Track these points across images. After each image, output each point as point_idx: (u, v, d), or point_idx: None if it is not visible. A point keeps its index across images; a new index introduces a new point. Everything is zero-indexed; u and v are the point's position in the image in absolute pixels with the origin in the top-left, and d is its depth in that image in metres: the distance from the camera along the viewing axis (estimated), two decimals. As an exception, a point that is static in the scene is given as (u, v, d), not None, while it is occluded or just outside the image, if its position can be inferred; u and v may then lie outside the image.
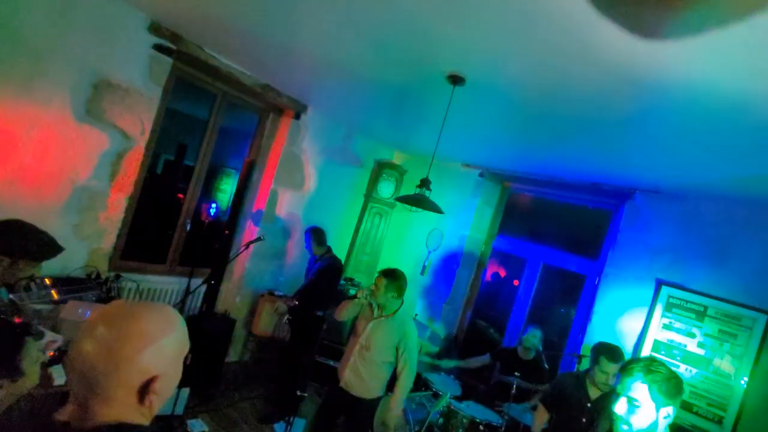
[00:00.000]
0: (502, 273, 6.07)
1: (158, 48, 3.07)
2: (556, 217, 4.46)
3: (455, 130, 3.35)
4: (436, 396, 3.36)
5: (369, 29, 2.14)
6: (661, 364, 1.37)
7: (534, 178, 4.17)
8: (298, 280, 4.13)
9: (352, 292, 2.63)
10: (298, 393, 2.53)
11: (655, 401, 1.31)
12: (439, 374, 3.69)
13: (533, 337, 3.45)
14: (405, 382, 2.57)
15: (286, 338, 3.90)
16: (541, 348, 3.48)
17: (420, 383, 3.61)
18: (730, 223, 3.18)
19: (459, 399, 3.26)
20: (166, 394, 0.81)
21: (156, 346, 0.77)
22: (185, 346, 0.86)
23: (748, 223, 3.09)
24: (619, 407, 1.35)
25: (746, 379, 2.94)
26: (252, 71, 3.55)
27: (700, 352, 3.15)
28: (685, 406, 3.10)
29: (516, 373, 3.04)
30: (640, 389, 1.32)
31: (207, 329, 3.48)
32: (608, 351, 2.44)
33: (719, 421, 3.01)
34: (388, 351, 2.57)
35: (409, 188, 4.09)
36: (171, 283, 3.63)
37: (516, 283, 4.55)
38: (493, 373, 3.72)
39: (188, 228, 3.73)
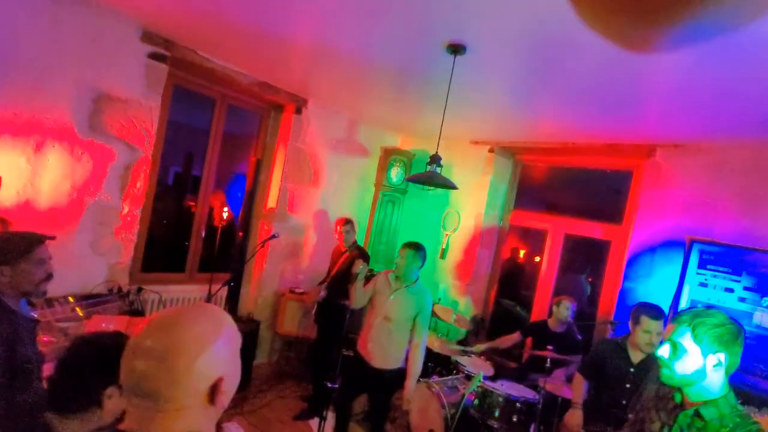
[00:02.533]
0: (524, 249, 5.96)
1: (153, 56, 3.06)
2: (574, 186, 4.32)
3: (460, 105, 3.25)
4: (468, 378, 3.29)
5: (362, 6, 2.07)
6: (717, 311, 1.29)
7: (546, 147, 4.04)
8: (318, 276, 4.10)
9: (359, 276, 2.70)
10: (329, 385, 2.52)
11: (701, 347, 1.23)
12: (470, 356, 3.62)
13: (566, 309, 3.35)
14: (419, 353, 2.68)
15: (311, 335, 3.88)
16: (572, 320, 3.39)
17: (451, 366, 3.57)
18: (760, 170, 3.01)
19: (492, 379, 3.19)
20: (233, 389, 0.81)
21: (212, 349, 0.76)
22: (238, 339, 0.84)
23: (780, 166, 2.93)
24: (663, 350, 1.29)
25: (794, 330, 2.80)
26: (248, 70, 3.51)
27: (742, 308, 3.00)
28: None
29: (549, 347, 2.95)
30: (683, 333, 1.26)
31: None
32: (649, 309, 2.35)
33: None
34: (409, 320, 2.69)
35: (419, 172, 4.01)
36: (192, 291, 3.64)
37: (539, 258, 4.44)
38: (525, 350, 3.64)
39: (203, 235, 3.74)
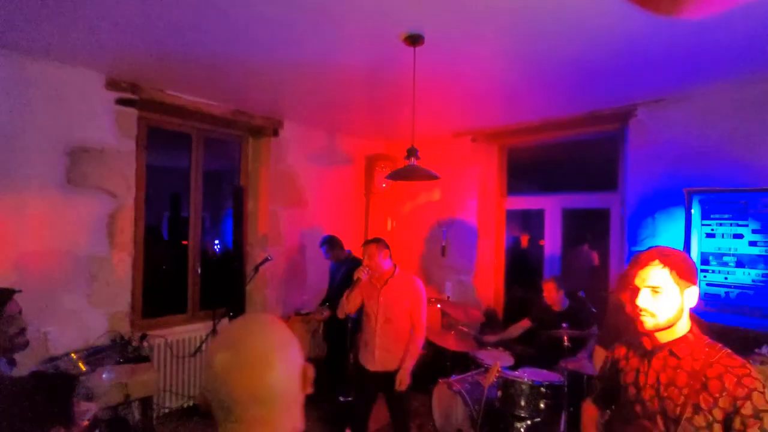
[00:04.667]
0: (525, 234, 5.87)
1: (121, 101, 3.07)
2: (564, 160, 4.27)
3: (432, 98, 3.23)
4: (487, 371, 3.19)
5: (315, 15, 2.07)
6: (672, 247, 1.30)
7: (527, 126, 4.00)
8: (322, 294, 4.03)
9: None
10: (341, 399, 2.43)
11: (679, 284, 1.22)
12: (486, 349, 3.52)
13: (548, 291, 3.37)
14: (419, 336, 2.62)
15: (323, 354, 3.80)
16: (565, 294, 3.32)
17: (469, 362, 3.47)
18: (749, 107, 2.94)
19: (513, 368, 3.08)
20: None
21: (292, 340, 0.81)
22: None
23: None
24: (642, 300, 1.23)
25: (812, 265, 2.69)
26: (219, 101, 3.53)
27: (755, 251, 2.90)
28: (757, 312, 2.85)
29: (563, 324, 2.86)
30: (659, 275, 1.22)
31: (243, 365, 3.40)
32: None
33: (795, 318, 2.75)
34: (406, 312, 2.63)
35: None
36: (197, 330, 3.58)
37: (542, 243, 4.36)
38: (540, 334, 3.53)
39: (199, 272, 3.70)
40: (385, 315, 2.62)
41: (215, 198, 5.11)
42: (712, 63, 2.58)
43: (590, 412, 1.50)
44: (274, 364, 0.75)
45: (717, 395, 1.14)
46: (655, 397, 1.24)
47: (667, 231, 3.23)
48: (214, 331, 3.46)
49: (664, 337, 1.26)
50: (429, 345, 3.76)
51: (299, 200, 4.25)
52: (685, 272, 1.23)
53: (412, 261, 4.85)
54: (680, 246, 3.15)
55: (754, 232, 2.91)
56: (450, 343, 3.53)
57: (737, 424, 1.11)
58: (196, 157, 3.72)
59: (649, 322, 1.24)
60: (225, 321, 3.39)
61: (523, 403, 2.80)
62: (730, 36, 2.21)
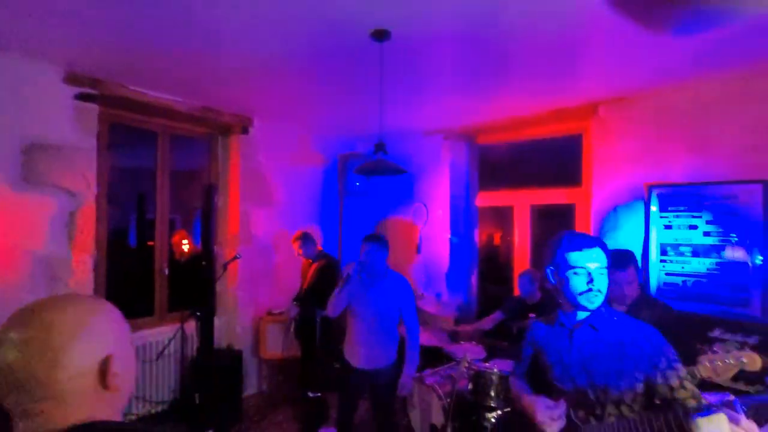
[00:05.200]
0: (497, 231, 5.99)
1: (80, 97, 2.97)
2: (532, 157, 4.38)
3: (401, 95, 3.26)
4: (458, 364, 3.23)
5: (282, 10, 2.05)
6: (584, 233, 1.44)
7: (496, 125, 4.09)
8: (295, 293, 3.99)
9: None
10: (310, 395, 2.41)
11: (608, 263, 1.34)
12: (459, 344, 3.57)
13: (522, 285, 3.44)
14: (414, 340, 2.64)
15: (297, 354, 3.76)
16: (539, 287, 3.40)
17: (443, 357, 3.50)
18: (704, 107, 3.08)
19: (485, 361, 3.14)
20: (129, 376, 0.76)
21: (90, 324, 0.71)
22: (124, 322, 0.79)
23: (719, 99, 3.01)
24: (597, 281, 1.31)
25: (759, 254, 2.85)
26: (186, 97, 3.45)
27: (708, 241, 3.05)
28: (711, 299, 3.00)
29: (531, 315, 2.93)
30: (602, 257, 1.32)
31: (213, 367, 3.33)
32: (614, 258, 2.34)
33: (745, 304, 2.90)
34: (395, 313, 2.63)
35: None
36: (166, 332, 3.49)
37: (513, 238, 4.45)
38: (511, 327, 3.60)
39: (167, 273, 3.61)
40: (373, 313, 2.60)
41: (185, 198, 4.99)
42: (669, 64, 2.71)
43: (519, 384, 1.55)
44: (58, 347, 0.66)
45: (634, 357, 1.24)
46: (582, 371, 1.31)
47: (629, 224, 3.36)
48: (183, 333, 3.38)
49: (581, 314, 1.35)
50: (401, 340, 3.78)
51: (270, 199, 4.20)
52: (608, 252, 1.35)
53: (388, 258, 4.86)
54: (640, 238, 3.28)
55: (707, 223, 3.06)
56: (423, 338, 3.56)
57: (658, 378, 1.19)
58: (163, 155, 3.64)
59: (599, 299, 1.31)
60: (194, 322, 3.32)
61: (492, 393, 2.85)
62: (684, 39, 2.33)
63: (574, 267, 1.31)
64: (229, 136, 3.94)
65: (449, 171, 4.44)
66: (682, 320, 2.47)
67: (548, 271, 1.40)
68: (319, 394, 2.54)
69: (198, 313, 3.04)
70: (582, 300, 1.31)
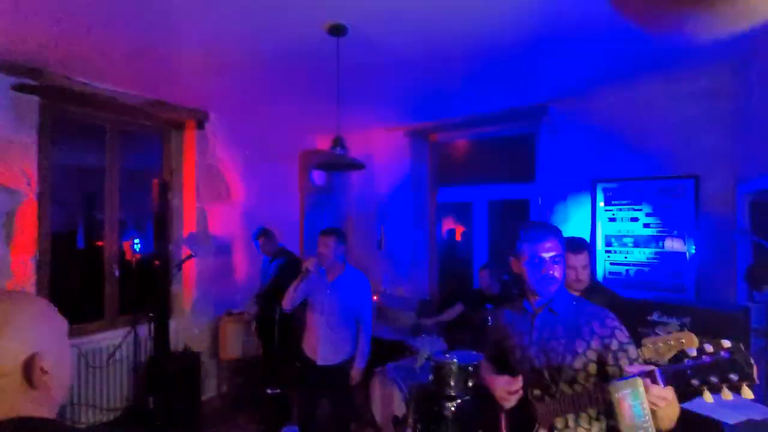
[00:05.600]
0: (458, 226, 6.15)
1: (18, 88, 2.79)
2: (489, 154, 4.52)
3: (359, 91, 3.28)
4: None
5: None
6: (545, 222, 1.50)
7: (455, 122, 4.19)
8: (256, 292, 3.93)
9: None
10: (269, 392, 2.39)
11: (562, 250, 1.40)
12: (421, 337, 3.63)
13: (483, 278, 3.55)
14: (366, 333, 2.68)
15: (258, 353, 3.70)
16: (498, 280, 3.53)
17: (405, 351, 3.56)
18: (641, 107, 3.30)
19: (446, 353, 3.21)
20: (61, 374, 0.74)
21: (14, 322, 0.69)
22: (60, 319, 0.78)
23: (655, 100, 3.24)
24: (554, 269, 1.37)
25: (693, 242, 3.09)
26: (136, 90, 3.30)
27: (648, 232, 3.28)
28: (651, 286, 3.22)
29: (488, 306, 3.04)
30: (557, 246, 1.38)
31: (169, 370, 3.22)
32: (569, 244, 2.46)
33: (682, 289, 3.14)
34: (352, 307, 2.65)
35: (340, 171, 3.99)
36: (117, 336, 3.33)
37: (459, 229, 4.58)
38: (472, 319, 3.71)
39: (117, 274, 3.45)
40: (332, 309, 2.61)
41: (139, 197, 4.77)
42: (610, 68, 2.89)
43: (487, 365, 1.62)
44: None
45: (588, 338, 1.31)
46: (540, 352, 1.38)
47: (577, 217, 3.55)
48: (135, 336, 3.24)
49: (543, 300, 1.41)
50: (365, 337, 3.80)
51: (229, 196, 4.10)
52: (562, 240, 1.42)
53: (350, 255, 4.88)
54: (588, 230, 3.48)
55: (647, 215, 3.28)
56: (386, 333, 3.62)
57: (609, 359, 1.26)
58: (112, 151, 3.47)
59: (554, 287, 1.38)
60: (147, 325, 3.19)
61: (452, 383, 2.93)
62: (624, 44, 2.50)
63: (531, 256, 1.38)
64: (184, 132, 3.81)
65: (410, 168, 4.51)
66: (627, 306, 2.67)
67: (510, 260, 1.48)
68: (278, 391, 2.51)
69: (152, 315, 2.92)
70: (539, 287, 1.38)
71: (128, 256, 3.35)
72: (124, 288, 3.49)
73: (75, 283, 3.47)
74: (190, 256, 3.02)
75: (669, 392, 1.00)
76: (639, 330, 2.60)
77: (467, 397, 2.96)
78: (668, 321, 2.50)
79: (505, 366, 1.54)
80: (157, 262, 3.04)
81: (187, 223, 3.81)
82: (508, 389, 1.36)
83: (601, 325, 1.32)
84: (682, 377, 0.99)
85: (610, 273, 3.39)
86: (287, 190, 4.65)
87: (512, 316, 1.52)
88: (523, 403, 1.37)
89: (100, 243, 3.45)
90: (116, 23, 2.24)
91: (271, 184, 4.50)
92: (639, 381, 0.73)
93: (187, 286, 3.75)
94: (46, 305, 0.77)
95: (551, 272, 1.36)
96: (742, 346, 0.94)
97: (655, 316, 2.63)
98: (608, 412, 1.23)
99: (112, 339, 3.30)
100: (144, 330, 3.29)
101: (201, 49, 2.57)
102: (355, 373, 2.64)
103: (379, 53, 2.65)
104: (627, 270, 3.34)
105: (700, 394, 0.98)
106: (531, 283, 1.40)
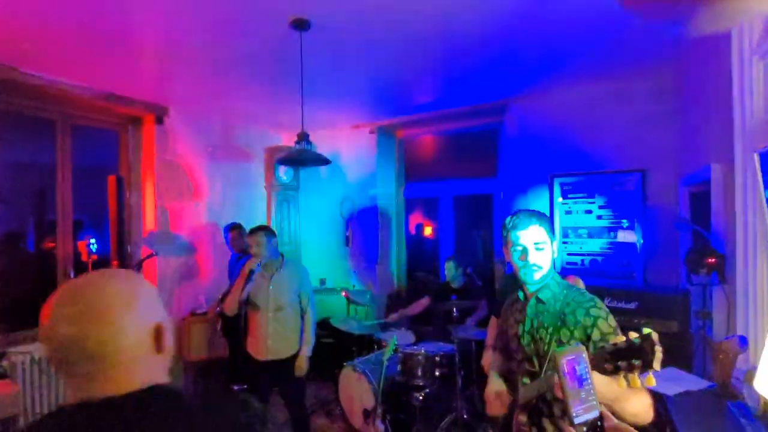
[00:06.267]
0: (425, 221, 6.26)
1: (-44, 79, 2.61)
2: (454, 151, 4.64)
3: (323, 87, 3.28)
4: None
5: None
6: (534, 210, 1.46)
7: (420, 119, 4.26)
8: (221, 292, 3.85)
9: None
10: (235, 388, 2.38)
11: (550, 239, 1.39)
12: (390, 331, 3.69)
13: (448, 270, 3.60)
14: (311, 322, 2.74)
15: (225, 353, 3.64)
16: (463, 272, 3.63)
17: (374, 345, 3.60)
18: (594, 105, 3.48)
19: (414, 345, 3.28)
20: (170, 342, 0.82)
21: (141, 296, 0.77)
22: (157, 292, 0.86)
23: (605, 99, 3.43)
24: (533, 256, 1.37)
25: (641, 232, 3.31)
26: (89, 83, 3.16)
27: (601, 223, 3.47)
28: (604, 274, 3.42)
29: (452, 297, 3.13)
30: (540, 233, 1.37)
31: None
32: None
33: (632, 276, 3.36)
34: (295, 298, 2.70)
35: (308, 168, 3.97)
36: (73, 341, 3.18)
37: (427, 224, 4.68)
38: (437, 311, 3.81)
39: (72, 275, 3.30)
40: (276, 304, 2.63)
41: (95, 196, 4.55)
42: (566, 66, 3.04)
43: (490, 356, 1.66)
44: (114, 316, 0.72)
45: (572, 328, 1.31)
46: (531, 341, 1.40)
47: (537, 209, 3.71)
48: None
49: (532, 287, 1.42)
50: (334, 332, 3.82)
51: (192, 194, 4.00)
52: (551, 228, 1.42)
53: (317, 252, 4.88)
54: (547, 223, 3.64)
55: (600, 207, 3.48)
56: (355, 327, 3.64)
57: (590, 348, 1.23)
58: (63, 147, 3.30)
59: (537, 274, 1.38)
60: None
61: (420, 373, 3.01)
62: (578, 45, 2.63)
63: (514, 243, 1.39)
64: (142, 127, 3.68)
65: (377, 164, 4.55)
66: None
67: (503, 251, 1.48)
68: (245, 387, 2.49)
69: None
70: (521, 275, 1.39)
71: (84, 257, 3.20)
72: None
73: (25, 287, 3.28)
74: (150, 255, 2.93)
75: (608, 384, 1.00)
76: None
77: (435, 386, 3.06)
78: (618, 305, 2.67)
79: (506, 354, 1.57)
80: (115, 263, 2.93)
81: (146, 222, 3.69)
82: (496, 400, 1.39)
83: (585, 314, 1.30)
84: (601, 361, 0.97)
85: (567, 263, 3.57)
86: (253, 187, 4.59)
87: (512, 306, 1.54)
88: (515, 389, 1.41)
89: (51, 244, 3.27)
90: (68, 12, 2.13)
91: (237, 180, 4.42)
92: (582, 348, 0.78)
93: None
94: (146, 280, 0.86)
95: (533, 259, 1.36)
96: (654, 336, 0.94)
97: (606, 302, 2.80)
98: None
99: (67, 344, 3.16)
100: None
101: (159, 41, 2.50)
102: (302, 361, 2.67)
103: (343, 48, 2.67)
104: (582, 260, 3.53)
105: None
106: (516, 271, 1.41)
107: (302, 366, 2.67)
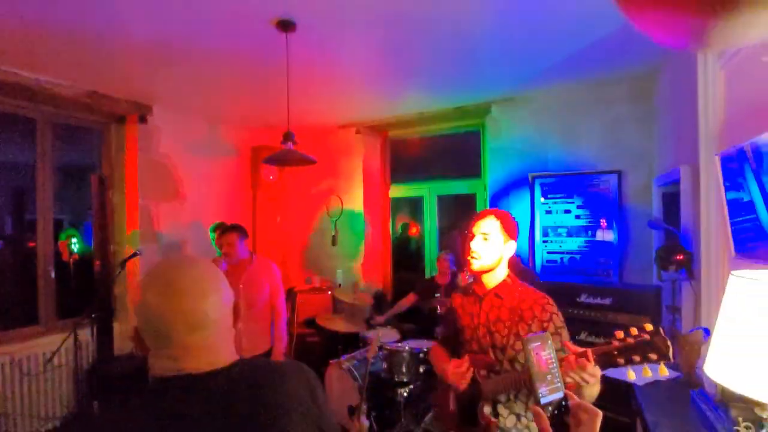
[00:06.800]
0: (410, 220, 6.32)
1: (-69, 75, 2.56)
2: (439, 151, 4.71)
3: (309, 87, 3.32)
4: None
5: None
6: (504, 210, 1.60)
7: (404, 120, 4.32)
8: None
9: None
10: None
11: (504, 236, 1.50)
12: (375, 329, 3.74)
13: (443, 260, 3.64)
14: (281, 321, 2.81)
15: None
16: (454, 268, 3.69)
17: (360, 343, 3.65)
18: (572, 108, 3.60)
19: (399, 342, 3.34)
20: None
21: (220, 277, 0.84)
22: None
23: (583, 102, 3.54)
24: (474, 243, 1.50)
25: (617, 232, 3.43)
26: (72, 80, 3.13)
27: (579, 223, 3.59)
28: (582, 272, 3.54)
29: (436, 294, 3.19)
30: (490, 225, 1.50)
31: (114, 376, 3.09)
32: None
33: (608, 274, 3.48)
34: (265, 295, 2.76)
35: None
36: (54, 342, 3.14)
37: (412, 223, 4.75)
38: (423, 309, 3.87)
39: (53, 276, 3.26)
40: (247, 301, 2.69)
41: (77, 195, 4.49)
42: (543, 71, 3.13)
43: (438, 350, 1.75)
44: (207, 292, 0.78)
45: (530, 322, 1.43)
46: (486, 333, 1.50)
47: (518, 210, 3.81)
48: (75, 341, 3.08)
49: (490, 284, 1.54)
50: (321, 330, 3.86)
51: (176, 193, 3.98)
52: (508, 227, 1.52)
53: (303, 251, 4.90)
54: (527, 222, 3.74)
55: (578, 207, 3.59)
56: (340, 326, 3.68)
57: None
58: (44, 146, 3.26)
59: (476, 263, 1.50)
60: (89, 328, 3.05)
61: (404, 370, 3.06)
62: (558, 49, 2.73)
63: (466, 231, 1.54)
64: (125, 125, 3.65)
65: (363, 164, 4.59)
66: (556, 289, 2.95)
67: None
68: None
69: (94, 318, 2.80)
70: (466, 259, 1.52)
71: (65, 257, 3.16)
72: (62, 291, 3.29)
73: (4, 288, 3.23)
74: (133, 255, 2.91)
75: (598, 371, 1.14)
76: (570, 310, 2.90)
77: (419, 382, 3.12)
78: (594, 301, 2.77)
79: (457, 347, 1.65)
80: (97, 262, 2.91)
81: (130, 221, 3.66)
82: (459, 371, 1.45)
83: (542, 310, 1.44)
84: (610, 357, 1.12)
85: (548, 261, 3.68)
86: (238, 187, 4.58)
87: (463, 300, 1.64)
88: (470, 381, 1.47)
89: (32, 244, 3.23)
90: (50, 8, 2.12)
91: (222, 180, 4.41)
92: (548, 335, 0.86)
93: (132, 286, 3.61)
94: None
95: (475, 246, 1.49)
96: (661, 330, 1.09)
97: (583, 297, 2.91)
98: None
99: (49, 344, 3.12)
100: (85, 334, 3.13)
101: (142, 40, 2.49)
102: (277, 357, 2.75)
103: (328, 50, 2.70)
104: (562, 258, 3.64)
105: (626, 372, 1.15)
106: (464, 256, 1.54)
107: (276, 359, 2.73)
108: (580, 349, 1.15)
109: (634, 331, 1.11)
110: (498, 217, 1.52)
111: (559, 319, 1.44)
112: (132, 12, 2.19)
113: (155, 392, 0.75)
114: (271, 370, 0.83)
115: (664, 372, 1.07)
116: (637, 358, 1.08)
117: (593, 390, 1.22)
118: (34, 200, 3.28)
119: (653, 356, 1.07)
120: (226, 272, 2.62)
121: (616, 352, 1.11)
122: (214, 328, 0.78)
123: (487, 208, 3.84)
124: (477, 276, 1.56)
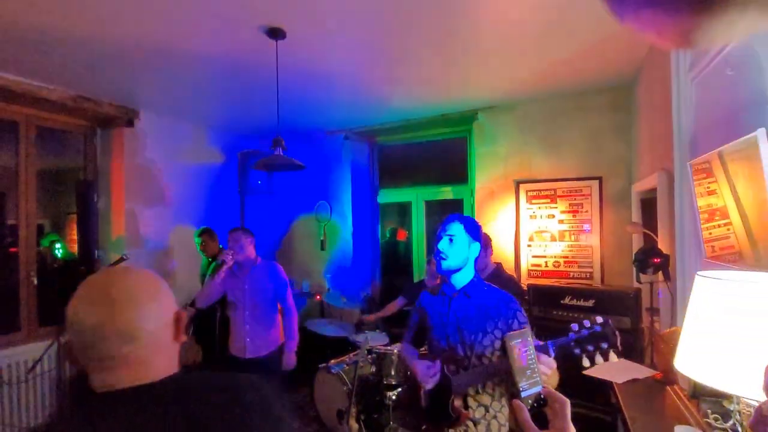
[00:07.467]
0: (402, 225, 6.38)
1: None
2: (426, 157, 4.78)
3: (298, 94, 3.35)
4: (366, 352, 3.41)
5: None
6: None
7: (392, 126, 4.38)
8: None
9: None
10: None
11: (468, 237, 1.60)
12: (364, 333, 3.76)
13: (434, 265, 3.68)
14: (293, 320, 2.81)
15: (197, 359, 3.61)
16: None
17: (349, 348, 3.66)
18: (554, 116, 3.71)
19: (387, 346, 3.36)
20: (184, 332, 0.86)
21: (161, 288, 0.81)
22: None
23: (564, 110, 3.66)
24: (441, 244, 1.59)
25: (598, 235, 3.54)
26: (56, 83, 3.09)
27: (562, 227, 3.69)
28: (564, 275, 3.63)
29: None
30: (455, 228, 1.60)
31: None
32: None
33: (590, 277, 3.58)
34: (270, 296, 2.76)
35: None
36: (37, 349, 3.09)
37: (401, 229, 4.80)
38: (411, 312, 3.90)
39: (35, 283, 3.20)
40: (252, 301, 2.70)
41: (62, 200, 4.42)
42: (526, 80, 3.23)
43: (408, 349, 1.82)
44: (140, 302, 0.75)
45: (496, 319, 1.53)
46: (456, 331, 1.58)
47: (504, 215, 3.90)
48: (59, 348, 3.03)
49: (459, 284, 1.62)
50: (310, 335, 3.86)
51: (163, 198, 3.95)
52: (471, 230, 1.63)
53: (292, 256, 4.90)
54: (513, 227, 3.82)
55: (561, 212, 3.69)
56: (330, 330, 3.70)
57: None
58: (27, 149, 3.22)
59: (443, 263, 1.58)
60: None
61: (393, 372, 3.10)
62: (532, 62, 2.82)
63: (435, 234, 1.64)
64: (111, 130, 3.62)
65: (351, 170, 4.63)
66: (542, 292, 3.05)
67: None
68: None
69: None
70: (435, 257, 1.61)
71: (49, 263, 3.11)
72: (44, 297, 3.24)
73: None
74: (119, 260, 2.89)
75: (554, 362, 1.26)
76: (554, 312, 2.98)
77: (407, 385, 3.15)
78: (577, 303, 2.86)
79: (424, 342, 1.75)
80: (82, 268, 2.88)
81: (115, 226, 3.62)
82: (428, 373, 1.52)
83: (506, 307, 1.54)
84: (567, 348, 1.26)
85: (532, 265, 3.76)
86: (227, 192, 4.57)
87: (431, 299, 1.73)
88: (441, 378, 1.54)
89: (13, 249, 3.17)
90: (35, 11, 2.11)
91: (210, 185, 4.40)
92: (527, 331, 0.91)
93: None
94: None
95: (442, 247, 1.58)
96: (610, 321, 1.22)
97: (566, 299, 2.99)
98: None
99: (31, 352, 3.06)
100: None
101: (130, 45, 2.48)
102: (288, 356, 2.76)
103: (317, 57, 2.74)
104: (546, 261, 3.73)
105: (580, 360, 1.24)
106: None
107: (290, 361, 2.76)
108: (541, 342, 1.26)
109: (587, 323, 1.25)
110: (461, 221, 1.62)
111: (522, 316, 1.54)
112: (120, 16, 2.19)
113: (80, 410, 0.72)
114: (209, 388, 0.75)
115: (613, 358, 1.21)
116: (590, 347, 1.21)
117: (552, 380, 1.32)
118: (16, 204, 3.22)
119: (604, 345, 1.20)
120: (232, 274, 2.66)
121: (572, 343, 1.24)
122: (147, 340, 0.74)
123: (474, 213, 3.98)
124: (446, 277, 1.63)
